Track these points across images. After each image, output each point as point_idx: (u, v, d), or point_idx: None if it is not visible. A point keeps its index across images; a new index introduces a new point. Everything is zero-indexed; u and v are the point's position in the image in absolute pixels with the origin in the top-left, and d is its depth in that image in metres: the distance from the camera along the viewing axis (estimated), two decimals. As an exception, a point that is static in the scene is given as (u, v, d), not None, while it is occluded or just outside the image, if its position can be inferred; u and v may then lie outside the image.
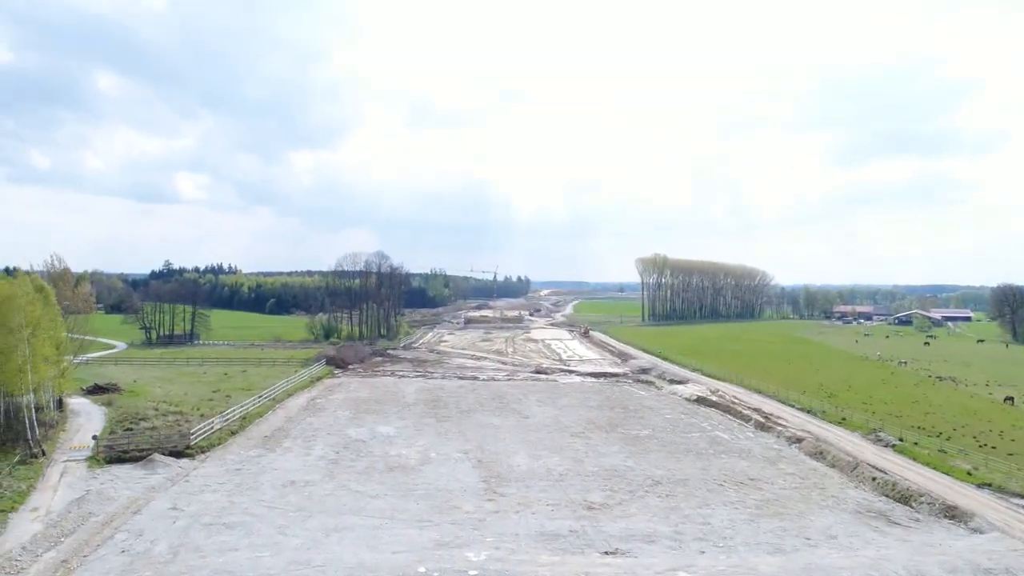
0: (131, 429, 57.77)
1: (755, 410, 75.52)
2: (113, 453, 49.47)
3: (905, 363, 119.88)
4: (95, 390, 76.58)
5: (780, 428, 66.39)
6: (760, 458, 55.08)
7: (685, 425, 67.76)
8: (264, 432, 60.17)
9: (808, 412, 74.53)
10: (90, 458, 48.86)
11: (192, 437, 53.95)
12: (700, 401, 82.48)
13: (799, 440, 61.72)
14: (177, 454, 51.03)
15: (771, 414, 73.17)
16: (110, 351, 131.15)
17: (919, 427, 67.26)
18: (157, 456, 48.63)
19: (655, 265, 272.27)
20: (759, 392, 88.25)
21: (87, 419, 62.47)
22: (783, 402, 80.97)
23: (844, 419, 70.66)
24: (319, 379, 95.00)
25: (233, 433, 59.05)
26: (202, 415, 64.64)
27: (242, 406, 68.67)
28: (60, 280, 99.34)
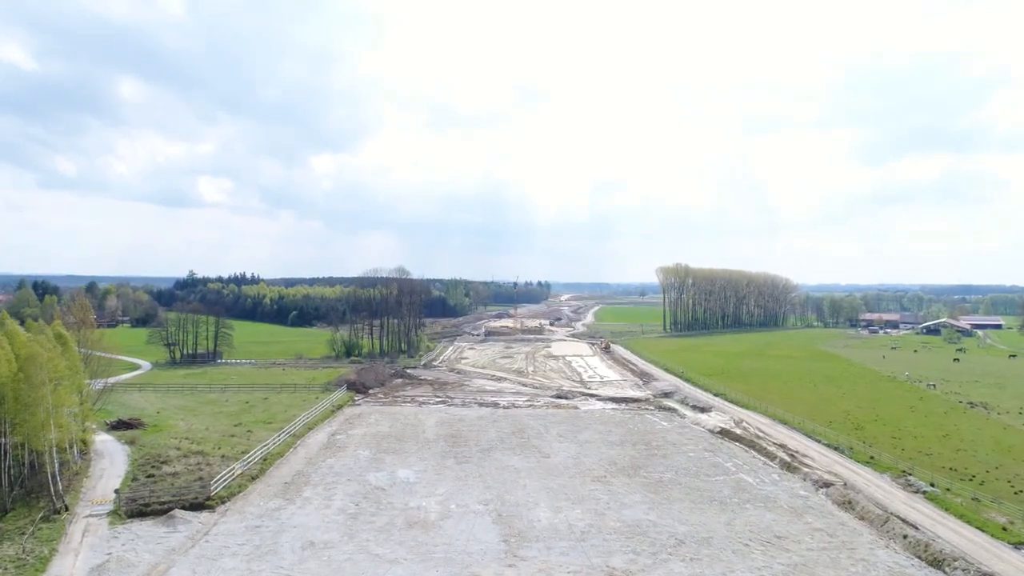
0: (152, 475, 58.01)
1: (780, 446, 74.12)
2: (134, 507, 49.66)
3: (934, 386, 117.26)
4: (119, 425, 77.11)
5: (806, 469, 64.97)
6: (786, 508, 53.82)
7: (709, 466, 66.58)
8: (284, 477, 60.09)
9: (835, 449, 72.92)
10: (112, 513, 49.08)
11: (213, 486, 54.00)
12: (724, 434, 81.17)
13: (826, 485, 60.32)
14: (198, 506, 51.10)
15: (797, 452, 71.74)
16: (135, 372, 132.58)
17: (951, 468, 65.59)
18: (178, 512, 48.68)
19: (677, 274, 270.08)
20: (784, 423, 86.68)
21: (110, 462, 62.86)
22: (809, 436, 79.38)
23: (872, 458, 69.06)
24: (339, 407, 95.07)
25: (254, 479, 59.07)
26: (223, 456, 64.85)
27: (263, 445, 68.79)
28: (78, 308, 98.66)
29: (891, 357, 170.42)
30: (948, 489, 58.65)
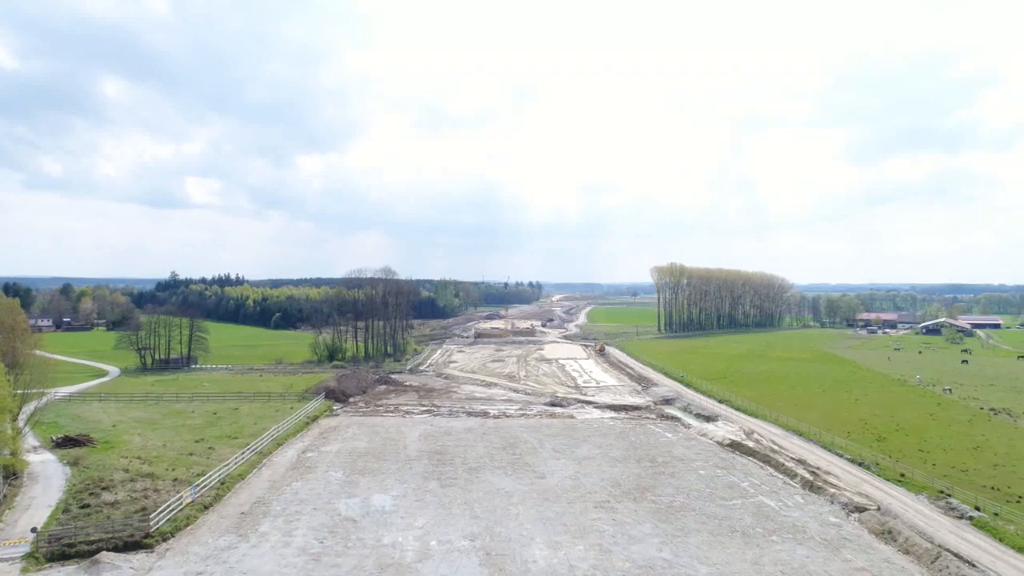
0: (88, 506, 50.22)
1: (799, 462, 67.09)
2: (55, 548, 41.92)
3: (950, 390, 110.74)
4: (64, 442, 69.21)
5: (832, 490, 57.91)
6: (819, 541, 46.67)
7: (723, 486, 59.41)
8: (242, 506, 52.39)
9: (860, 465, 65.98)
10: (28, 555, 41.31)
11: (155, 519, 46.28)
12: (735, 447, 74.06)
13: (858, 509, 53.29)
14: (134, 545, 43.43)
15: (818, 468, 64.71)
16: (100, 379, 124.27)
17: (992, 487, 58.83)
18: (105, 556, 40.90)
19: (672, 274, 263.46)
20: (799, 434, 79.85)
21: (44, 488, 55.07)
22: (828, 449, 72.51)
23: (903, 476, 62.23)
24: (315, 419, 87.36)
25: (206, 508, 51.35)
26: (175, 480, 57.13)
27: (224, 465, 61.12)
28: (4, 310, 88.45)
29: (896, 359, 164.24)
30: (996, 514, 51.78)
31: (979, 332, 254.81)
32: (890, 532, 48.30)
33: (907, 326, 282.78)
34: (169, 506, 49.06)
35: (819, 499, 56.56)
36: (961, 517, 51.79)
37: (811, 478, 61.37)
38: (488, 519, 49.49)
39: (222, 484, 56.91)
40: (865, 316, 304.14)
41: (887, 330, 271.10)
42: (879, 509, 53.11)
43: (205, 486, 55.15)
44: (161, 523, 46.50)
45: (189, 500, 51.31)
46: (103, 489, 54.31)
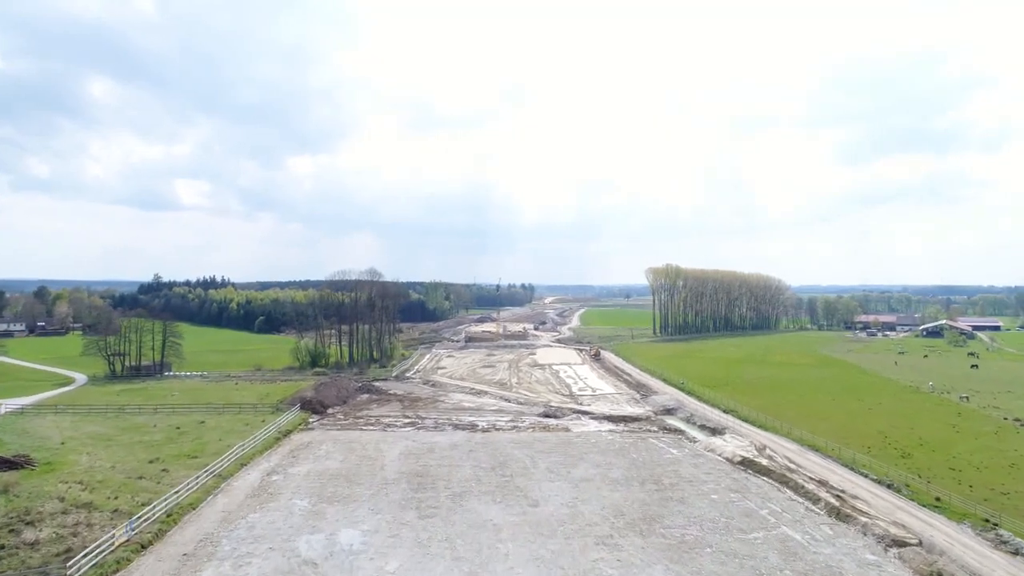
0: (3, 547, 42.81)
1: (821, 483, 60.34)
2: (-54, 608, 34.67)
3: (967, 398, 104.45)
4: (-1, 465, 61.66)
5: (863, 518, 51.15)
6: (859, 586, 39.84)
7: (740, 514, 52.54)
8: (186, 544, 45.06)
9: (889, 487, 59.38)
10: (-90, 618, 34.04)
11: (75, 565, 39.01)
12: (747, 465, 67.22)
13: (897, 543, 46.54)
14: (46, 600, 36.18)
15: (843, 491, 58.00)
16: (63, 389, 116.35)
17: (1040, 513, 52.31)
18: (2, 619, 33.74)
19: (667, 275, 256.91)
20: (815, 449, 73.25)
21: (-42, 524, 47.57)
22: (850, 467, 65.91)
23: (939, 500, 55.65)
24: (287, 433, 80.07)
25: (144, 547, 44.05)
26: (115, 511, 49.84)
27: (175, 492, 53.88)
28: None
29: (902, 363, 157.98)
30: (1056, 549, 45.20)
31: (981, 335, 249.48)
32: (940, 574, 41.57)
33: (906, 328, 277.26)
34: (98, 547, 41.80)
35: (850, 530, 49.76)
36: (1016, 553, 45.23)
37: (837, 504, 54.60)
38: (473, 560, 42.39)
39: (168, 516, 49.58)
40: (863, 318, 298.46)
41: (886, 332, 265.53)
42: (921, 543, 46.49)
43: (147, 519, 47.86)
44: (84, 569, 39.27)
45: (123, 539, 44.00)
46: (27, 524, 46.96)
